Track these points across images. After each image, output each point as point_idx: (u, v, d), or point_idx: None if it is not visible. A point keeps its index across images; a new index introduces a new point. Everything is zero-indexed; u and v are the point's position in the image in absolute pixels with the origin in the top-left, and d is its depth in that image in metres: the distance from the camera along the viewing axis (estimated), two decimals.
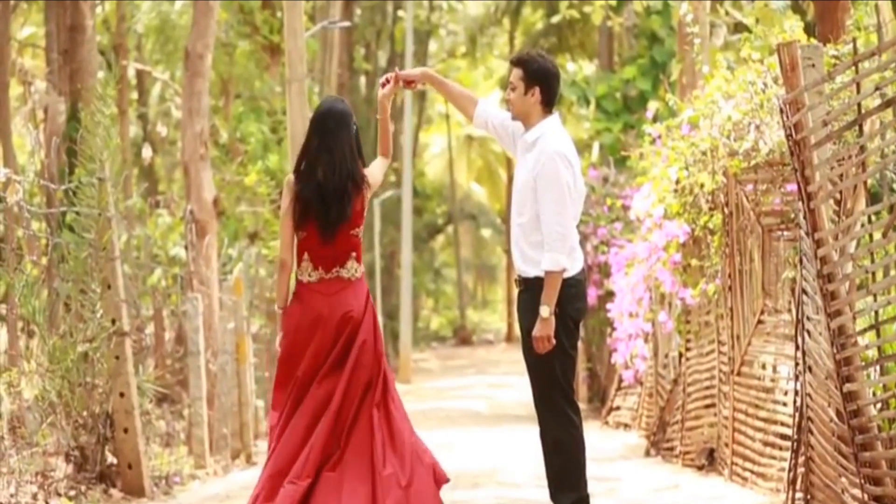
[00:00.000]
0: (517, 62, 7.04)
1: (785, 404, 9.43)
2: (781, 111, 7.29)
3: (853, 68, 6.72)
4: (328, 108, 6.93)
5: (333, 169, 6.79)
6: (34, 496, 8.72)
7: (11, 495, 8.45)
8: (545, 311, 6.75)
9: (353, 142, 6.89)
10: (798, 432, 8.08)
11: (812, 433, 7.60)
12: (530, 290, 6.89)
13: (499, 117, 7.26)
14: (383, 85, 7.25)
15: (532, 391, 7.05)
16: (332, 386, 6.77)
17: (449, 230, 51.58)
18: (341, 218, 6.80)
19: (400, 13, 37.53)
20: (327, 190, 6.78)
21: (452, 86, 7.49)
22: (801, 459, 7.92)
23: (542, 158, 6.85)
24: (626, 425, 17.29)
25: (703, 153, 11.23)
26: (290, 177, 6.90)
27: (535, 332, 6.77)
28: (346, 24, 25.21)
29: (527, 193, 6.90)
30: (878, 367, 6.58)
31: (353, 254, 6.89)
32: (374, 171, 7.02)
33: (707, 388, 11.72)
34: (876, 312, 6.45)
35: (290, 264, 6.85)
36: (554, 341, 6.77)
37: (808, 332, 7.56)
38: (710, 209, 11.31)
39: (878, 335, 6.47)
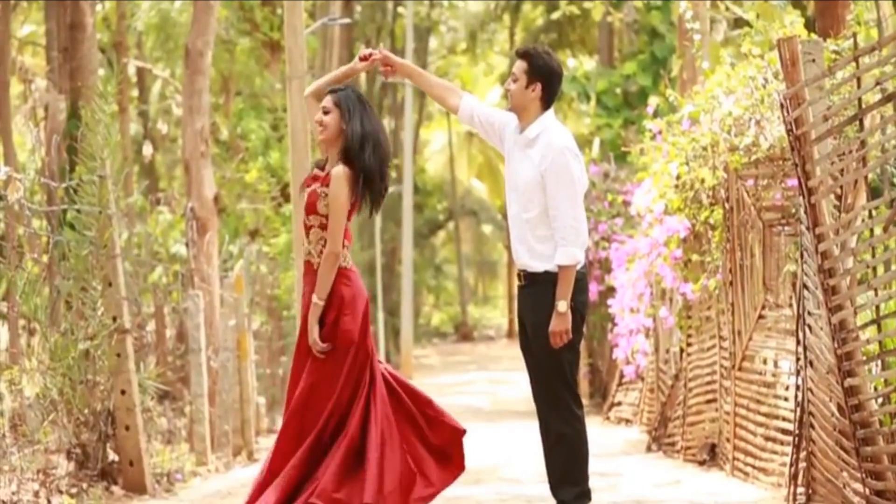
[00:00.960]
0: (523, 54, 7.01)
1: (786, 399, 9.43)
2: (782, 106, 7.30)
3: (853, 63, 6.72)
4: (364, 96, 6.99)
5: (385, 151, 6.89)
6: (36, 494, 8.72)
7: (13, 493, 8.45)
8: (563, 305, 6.78)
9: None
10: (799, 427, 8.08)
11: (813, 428, 7.60)
12: (537, 284, 6.90)
13: (485, 112, 7.23)
14: (363, 59, 7.12)
15: (532, 386, 7.06)
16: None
17: (450, 226, 51.56)
18: (384, 198, 6.98)
19: (400, 10, 37.51)
20: (384, 165, 6.88)
21: (432, 78, 7.44)
22: (803, 454, 7.92)
23: (549, 154, 6.85)
24: (627, 421, 17.30)
25: (704, 148, 11.23)
26: (344, 168, 6.76)
27: (553, 326, 6.78)
28: (347, 20, 25.16)
29: (533, 189, 6.89)
30: (879, 362, 6.58)
31: None
32: None
33: (708, 383, 11.72)
34: (877, 307, 6.45)
35: (340, 252, 6.81)
36: (571, 335, 6.80)
37: (810, 326, 7.57)
38: (711, 204, 11.31)
39: (880, 330, 6.47)
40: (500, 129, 7.13)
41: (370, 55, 7.15)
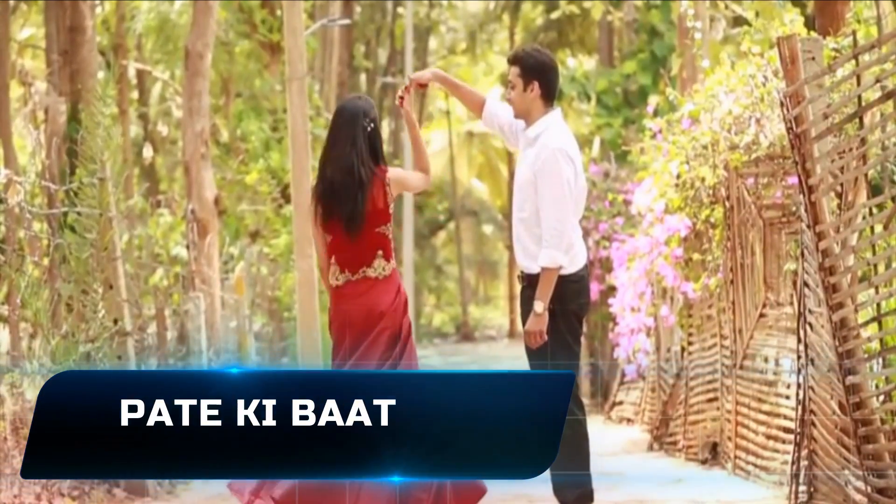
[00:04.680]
0: (513, 60, 7.01)
1: (787, 397, 9.42)
2: (782, 104, 7.29)
3: (853, 61, 6.72)
4: (340, 106, 6.81)
5: (337, 165, 6.65)
6: (38, 497, 8.71)
7: (15, 496, 8.45)
8: (539, 306, 6.74)
9: (358, 137, 6.68)
10: (801, 425, 8.08)
11: (815, 426, 7.60)
12: (534, 286, 6.88)
13: (506, 116, 7.21)
14: (401, 101, 6.95)
15: None
16: None
17: (450, 227, 51.55)
18: (354, 215, 6.61)
19: (400, 10, 37.52)
20: (336, 187, 6.64)
21: (462, 86, 7.41)
22: (804, 452, 7.91)
23: (542, 154, 6.84)
24: (628, 420, 17.29)
25: (704, 147, 11.23)
26: (314, 181, 6.85)
27: (528, 326, 6.77)
28: (346, 21, 25.18)
29: (528, 189, 6.88)
30: (880, 360, 6.58)
31: (380, 252, 6.65)
32: (403, 173, 6.88)
33: (709, 381, 11.72)
34: (878, 304, 6.45)
35: (326, 270, 6.71)
36: (546, 337, 6.76)
37: (811, 324, 7.56)
38: (712, 203, 11.31)
39: (881, 327, 6.47)
40: (518, 130, 7.13)
41: (404, 92, 6.94)
